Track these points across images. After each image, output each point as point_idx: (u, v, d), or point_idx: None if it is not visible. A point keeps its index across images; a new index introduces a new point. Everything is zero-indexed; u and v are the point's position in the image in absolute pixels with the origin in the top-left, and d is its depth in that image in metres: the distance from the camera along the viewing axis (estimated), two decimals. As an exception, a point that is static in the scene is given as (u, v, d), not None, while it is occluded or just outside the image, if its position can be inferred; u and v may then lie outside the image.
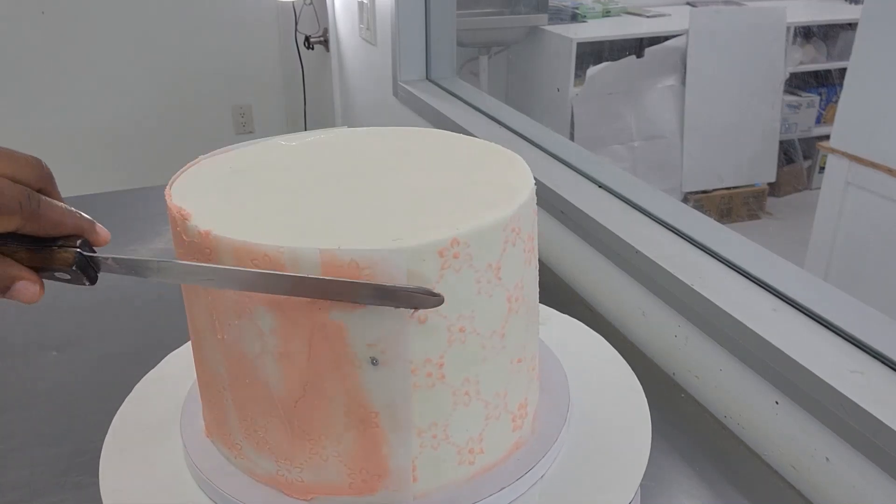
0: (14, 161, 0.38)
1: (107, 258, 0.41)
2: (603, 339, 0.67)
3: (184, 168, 0.52)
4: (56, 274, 0.40)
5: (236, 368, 0.46)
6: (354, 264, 0.39)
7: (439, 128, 1.29)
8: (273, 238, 0.41)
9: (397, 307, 0.40)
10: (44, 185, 0.39)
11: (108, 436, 0.54)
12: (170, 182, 0.49)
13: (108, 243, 0.42)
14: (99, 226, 0.41)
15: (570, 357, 0.63)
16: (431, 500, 0.47)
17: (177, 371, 0.62)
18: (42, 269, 0.40)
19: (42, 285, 0.39)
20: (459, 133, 0.60)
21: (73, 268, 0.39)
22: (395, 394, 0.44)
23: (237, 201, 0.47)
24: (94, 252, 0.41)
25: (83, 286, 0.42)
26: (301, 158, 0.55)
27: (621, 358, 0.65)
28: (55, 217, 0.38)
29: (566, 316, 0.69)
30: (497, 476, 0.49)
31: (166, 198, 0.47)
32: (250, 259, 0.41)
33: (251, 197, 0.48)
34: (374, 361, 0.42)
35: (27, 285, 0.38)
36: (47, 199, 0.38)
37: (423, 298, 0.39)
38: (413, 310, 0.40)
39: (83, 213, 0.41)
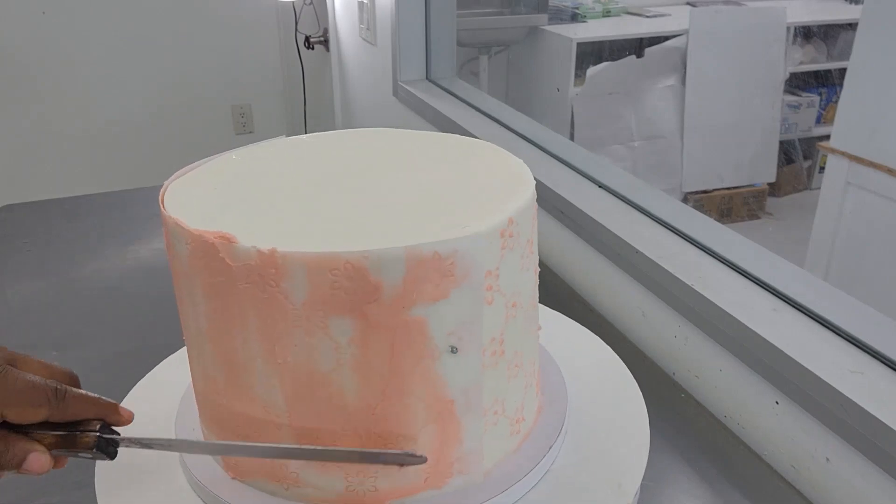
0: (48, 367, 0.43)
1: (124, 439, 0.44)
2: (596, 336, 0.67)
3: (166, 184, 0.50)
4: (79, 454, 0.43)
5: (302, 390, 0.44)
6: (438, 256, 0.41)
7: (439, 128, 1.29)
8: (343, 245, 0.40)
9: (385, 465, 0.44)
10: (73, 383, 0.44)
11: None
12: (161, 200, 0.48)
13: (131, 422, 0.45)
14: (122, 408, 0.45)
15: (564, 356, 0.63)
16: (494, 475, 0.49)
17: (167, 383, 0.61)
18: (68, 451, 0.43)
19: (51, 457, 0.42)
20: (458, 133, 0.60)
21: (93, 449, 0.43)
22: (470, 378, 0.46)
23: (255, 213, 0.46)
24: (115, 433, 0.44)
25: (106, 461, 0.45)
26: (293, 162, 0.54)
27: (616, 355, 0.65)
28: (79, 407, 0.42)
29: (558, 313, 0.69)
30: (536, 439, 0.52)
31: (176, 223, 0.44)
32: (329, 270, 0.40)
33: (266, 207, 0.47)
34: (453, 350, 0.44)
35: (38, 457, 0.41)
36: (73, 390, 0.42)
37: (407, 459, 0.43)
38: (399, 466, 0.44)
39: (107, 399, 0.44)
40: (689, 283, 0.67)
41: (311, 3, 2.24)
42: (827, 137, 1.63)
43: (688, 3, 3.05)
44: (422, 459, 0.43)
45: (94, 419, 0.43)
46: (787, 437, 0.59)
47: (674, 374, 0.72)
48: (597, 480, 0.51)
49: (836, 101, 2.35)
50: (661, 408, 0.61)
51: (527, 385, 0.51)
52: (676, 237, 0.76)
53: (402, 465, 0.44)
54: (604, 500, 0.49)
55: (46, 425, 0.42)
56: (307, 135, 0.60)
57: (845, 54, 2.25)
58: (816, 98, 2.93)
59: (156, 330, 0.75)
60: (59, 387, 0.41)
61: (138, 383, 0.63)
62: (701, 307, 0.66)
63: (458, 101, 1.30)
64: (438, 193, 0.48)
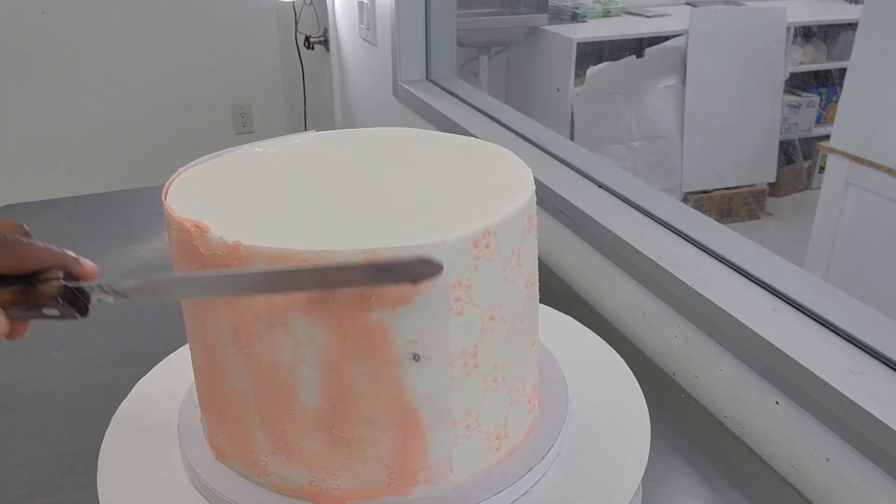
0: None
1: (95, 286, 0.40)
2: (597, 336, 0.67)
3: (172, 177, 0.50)
4: (45, 311, 0.39)
5: (266, 382, 0.44)
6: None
7: (439, 128, 1.29)
8: (307, 243, 0.40)
9: (398, 283, 0.39)
10: (23, 235, 0.41)
11: (102, 451, 0.54)
12: (164, 192, 0.48)
13: (95, 276, 0.41)
14: (84, 259, 0.41)
15: (566, 356, 0.63)
16: (467, 488, 0.48)
17: (169, 382, 0.61)
18: (30, 309, 0.39)
19: (7, 319, 0.39)
20: (458, 133, 0.60)
21: (60, 300, 0.39)
22: (435, 387, 0.45)
23: (246, 208, 0.46)
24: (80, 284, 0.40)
25: (77, 320, 0.41)
26: (293, 162, 0.55)
27: (618, 356, 0.65)
28: (29, 252, 0.38)
29: (560, 313, 0.69)
30: (521, 457, 0.51)
31: (167, 210, 0.45)
32: None
33: (258, 203, 0.47)
34: (416, 357, 0.43)
35: None
36: (21, 238, 0.39)
37: (423, 268, 0.37)
38: (412, 283, 0.39)
39: (66, 250, 0.41)
40: (689, 283, 0.67)
41: (311, 3, 2.24)
42: (827, 137, 1.63)
43: (688, 3, 3.05)
44: (438, 269, 0.38)
45: (52, 268, 0.40)
46: (787, 437, 0.59)
47: (674, 374, 0.72)
48: (597, 481, 0.51)
49: (836, 101, 2.35)
50: (661, 408, 0.61)
51: (512, 401, 0.49)
52: (676, 237, 0.76)
53: (415, 280, 0.38)
54: (621, 471, 0.50)
55: (4, 281, 0.38)
56: (320, 132, 0.60)
57: (845, 54, 2.25)
58: (816, 98, 2.93)
59: (156, 330, 0.75)
60: (6, 234, 0.38)
61: (138, 383, 0.63)
62: (701, 307, 0.66)
63: (458, 101, 1.30)
64: (427, 196, 0.48)
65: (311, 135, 0.59)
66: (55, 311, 0.39)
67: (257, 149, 0.56)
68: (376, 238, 0.41)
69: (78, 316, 0.40)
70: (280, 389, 0.44)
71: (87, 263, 0.41)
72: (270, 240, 0.41)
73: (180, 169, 0.52)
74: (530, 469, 0.49)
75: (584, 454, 0.53)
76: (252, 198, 0.48)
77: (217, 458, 0.51)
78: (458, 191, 0.48)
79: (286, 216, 0.45)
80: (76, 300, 0.40)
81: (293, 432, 0.46)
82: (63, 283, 0.39)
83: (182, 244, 0.44)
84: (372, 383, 0.43)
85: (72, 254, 0.41)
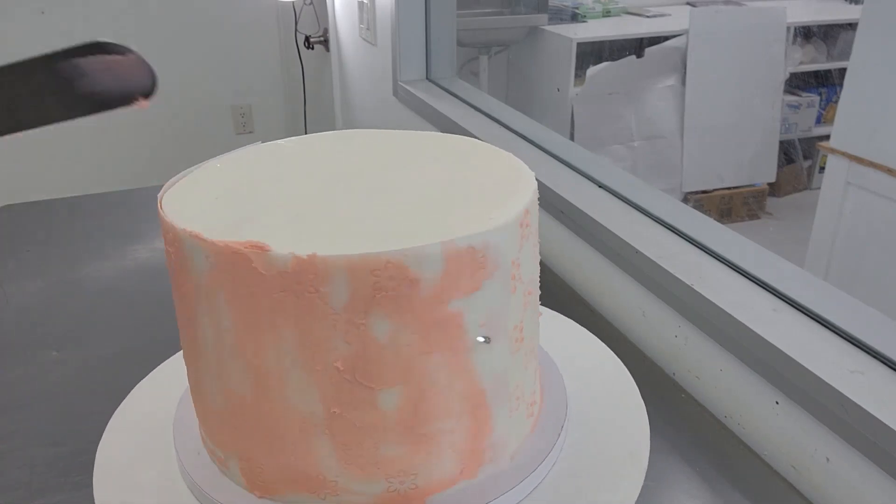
0: None
1: None
2: (593, 335, 0.67)
3: (161, 195, 0.49)
4: None
5: (343, 395, 0.43)
6: (472, 249, 0.42)
7: (439, 128, 1.29)
8: (378, 245, 0.40)
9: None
10: None
11: (97, 455, 0.54)
12: (159, 208, 0.47)
13: None
14: None
15: (562, 355, 0.64)
16: (519, 459, 0.51)
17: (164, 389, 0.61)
18: None
19: None
20: (459, 133, 0.60)
21: None
22: (499, 366, 0.47)
23: (272, 219, 0.45)
24: None
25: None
26: (294, 164, 0.54)
27: (614, 355, 0.65)
28: None
29: (556, 313, 0.69)
30: (545, 423, 0.54)
31: (197, 236, 0.42)
32: (371, 271, 0.40)
33: (271, 210, 0.46)
34: (486, 340, 0.45)
35: None
36: None
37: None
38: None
39: None
40: (689, 283, 0.67)
41: (311, 3, 2.24)
42: (827, 137, 1.63)
43: (688, 3, 3.05)
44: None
45: None
46: (787, 437, 0.59)
47: (674, 374, 0.72)
48: (599, 484, 0.51)
49: (836, 101, 2.35)
50: (661, 408, 0.61)
51: (535, 368, 0.53)
52: (676, 237, 0.76)
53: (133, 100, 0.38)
54: (621, 471, 0.51)
55: None
56: (295, 137, 0.59)
57: (845, 54, 2.25)
58: (816, 98, 2.93)
59: (156, 330, 0.75)
60: None
61: (138, 384, 0.63)
62: (701, 307, 0.66)
63: (458, 101, 1.30)
64: (447, 191, 0.49)
65: (259, 146, 0.58)
66: None
67: (218, 164, 0.55)
68: (445, 230, 0.42)
69: None
70: (360, 402, 0.44)
71: None
72: (341, 247, 0.40)
73: (162, 190, 0.49)
74: (562, 427, 0.53)
75: (582, 459, 0.53)
76: (269, 206, 0.47)
77: (262, 497, 0.48)
78: (475, 185, 0.50)
79: (325, 222, 0.45)
80: None
81: (372, 442, 0.45)
82: None
83: (227, 270, 0.41)
84: (448, 374, 0.44)
85: None
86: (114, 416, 0.59)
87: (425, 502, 0.47)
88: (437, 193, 0.48)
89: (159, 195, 0.49)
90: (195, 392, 0.51)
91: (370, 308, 0.41)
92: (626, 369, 0.64)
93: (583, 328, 0.69)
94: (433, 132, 0.59)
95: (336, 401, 0.44)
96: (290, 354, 0.43)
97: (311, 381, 0.43)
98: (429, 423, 0.45)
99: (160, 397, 0.60)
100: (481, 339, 0.45)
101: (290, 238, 0.42)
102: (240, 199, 0.49)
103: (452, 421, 0.46)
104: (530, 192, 0.47)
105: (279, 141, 0.58)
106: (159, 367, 0.65)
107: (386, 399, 0.44)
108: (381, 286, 0.41)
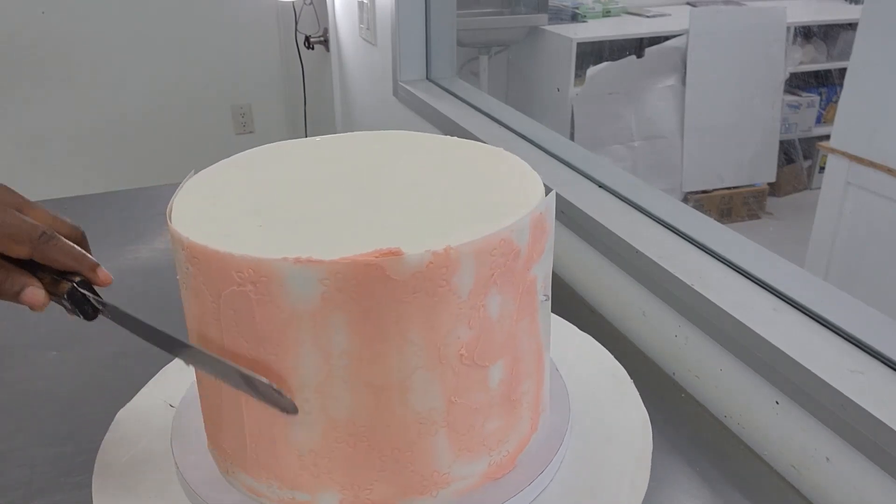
0: (53, 217, 0.48)
1: (102, 301, 0.46)
2: (592, 337, 0.67)
3: (171, 212, 0.47)
4: (63, 302, 0.46)
5: (464, 382, 0.44)
6: (541, 216, 0.45)
7: (440, 128, 1.29)
8: (490, 225, 0.42)
9: (256, 398, 0.43)
10: (77, 241, 0.48)
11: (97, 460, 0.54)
12: (172, 218, 0.46)
13: (108, 284, 0.47)
14: (101, 269, 0.47)
15: (564, 359, 0.64)
16: (554, 409, 0.56)
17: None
18: (53, 295, 0.46)
19: (47, 294, 0.45)
20: (459, 133, 0.60)
21: (66, 297, 0.46)
22: (548, 322, 0.51)
23: (285, 223, 0.45)
24: (95, 292, 0.47)
25: (83, 320, 0.47)
26: (303, 167, 0.54)
27: (613, 357, 0.65)
28: (59, 255, 0.46)
29: (554, 315, 0.69)
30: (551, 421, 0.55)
31: (311, 261, 0.39)
32: (490, 252, 0.42)
33: (290, 216, 0.46)
34: (546, 298, 0.49)
35: (35, 291, 0.45)
36: (60, 240, 0.46)
37: (278, 397, 0.43)
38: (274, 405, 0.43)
39: (90, 257, 0.47)
40: (689, 283, 0.67)
41: (311, 3, 2.24)
42: (827, 137, 1.63)
43: (688, 3, 3.05)
44: (289, 404, 0.43)
45: (73, 270, 0.46)
46: (787, 437, 0.59)
47: (674, 374, 0.72)
48: (603, 487, 0.51)
49: (836, 101, 2.35)
50: (661, 408, 0.61)
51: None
52: (676, 237, 0.76)
53: (272, 402, 0.43)
54: (627, 473, 0.52)
55: (41, 268, 0.46)
56: (302, 139, 0.59)
57: (845, 54, 2.24)
58: (816, 98, 2.93)
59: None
60: (46, 232, 0.45)
61: (140, 389, 0.63)
62: (701, 307, 0.66)
63: (459, 101, 1.30)
64: (472, 182, 0.50)
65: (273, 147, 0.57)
66: (67, 305, 0.46)
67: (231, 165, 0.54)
68: (515, 202, 0.45)
69: (82, 317, 0.46)
70: (475, 385, 0.45)
71: (103, 273, 0.47)
72: (462, 236, 0.41)
73: (169, 206, 0.48)
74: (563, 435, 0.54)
75: (585, 463, 0.53)
76: (281, 210, 0.46)
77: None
78: (501, 178, 0.51)
79: (387, 220, 0.45)
80: (83, 303, 0.46)
81: (481, 422, 0.46)
82: (73, 284, 0.46)
83: (350, 288, 0.40)
84: (528, 337, 0.48)
85: (92, 260, 0.47)
86: (114, 420, 0.59)
87: (515, 463, 0.50)
88: (464, 186, 0.50)
89: (170, 220, 0.46)
90: (254, 443, 0.46)
91: (488, 288, 0.43)
92: (626, 372, 0.64)
93: (582, 331, 0.69)
94: (436, 135, 0.59)
95: (455, 390, 0.44)
96: (415, 356, 0.42)
97: (434, 377, 0.43)
98: (518, 388, 0.48)
99: (163, 398, 0.60)
100: (544, 298, 0.49)
101: (363, 241, 0.41)
102: (275, 210, 0.47)
103: (530, 381, 0.49)
104: (539, 180, 0.51)
105: (277, 144, 0.58)
106: (163, 369, 0.65)
107: (493, 375, 0.46)
108: (496, 264, 0.42)
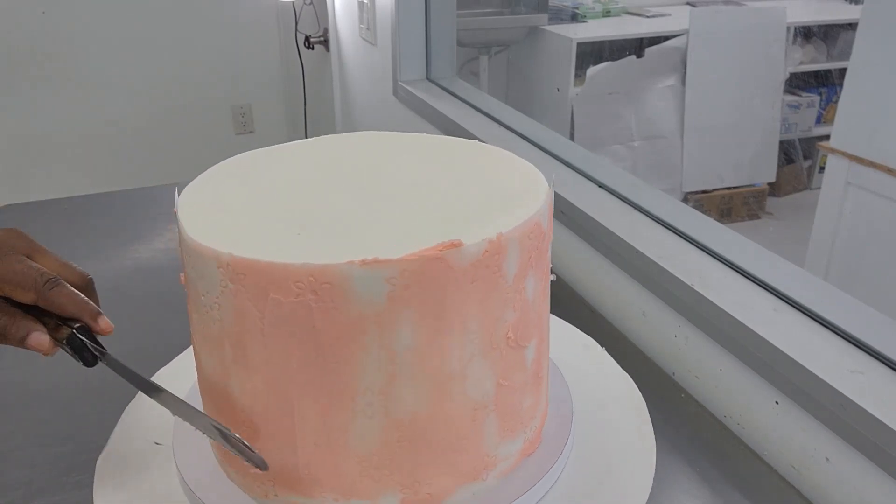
0: (63, 265, 0.49)
1: (102, 350, 0.47)
2: (594, 339, 0.67)
3: (182, 218, 0.46)
4: (63, 346, 0.47)
5: (510, 364, 0.46)
6: (551, 199, 0.47)
7: (440, 128, 1.29)
8: (522, 212, 0.44)
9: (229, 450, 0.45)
10: (83, 288, 0.49)
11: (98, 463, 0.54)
12: (195, 234, 0.44)
13: (109, 333, 0.48)
14: (102, 318, 0.48)
15: (562, 359, 0.64)
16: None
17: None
18: (57, 341, 0.47)
19: (52, 341, 0.46)
20: (459, 133, 0.60)
21: (65, 342, 0.46)
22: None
23: (295, 224, 0.44)
24: (95, 340, 0.47)
25: (82, 366, 0.48)
26: (300, 170, 0.53)
27: (615, 362, 0.65)
28: (63, 301, 0.46)
29: (554, 316, 0.69)
30: (555, 420, 0.57)
31: (378, 261, 0.39)
32: (528, 236, 0.44)
33: (303, 217, 0.45)
34: (555, 277, 0.53)
35: (40, 336, 0.46)
36: (64, 287, 0.46)
37: (249, 453, 0.45)
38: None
39: (92, 305, 0.48)
40: (689, 283, 0.67)
41: (311, 3, 2.24)
42: (827, 137, 1.63)
43: (688, 3, 3.05)
44: (259, 460, 0.45)
45: (74, 317, 0.47)
46: (787, 437, 0.59)
47: (674, 374, 0.72)
48: (608, 491, 0.51)
49: (836, 101, 2.35)
50: (661, 408, 0.61)
51: None
52: (676, 237, 0.76)
53: (244, 457, 0.45)
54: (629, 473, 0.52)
55: (46, 313, 0.46)
56: (297, 141, 0.58)
57: (845, 54, 2.24)
58: (816, 98, 2.93)
59: (156, 331, 0.75)
60: (52, 279, 0.46)
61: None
62: (701, 307, 0.66)
63: (459, 101, 1.30)
64: (482, 177, 0.51)
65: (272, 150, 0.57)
66: (69, 350, 0.47)
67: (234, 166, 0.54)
68: (533, 191, 0.47)
69: (82, 363, 0.47)
70: (516, 365, 0.47)
71: (104, 322, 0.48)
72: (507, 222, 0.43)
73: (180, 209, 0.48)
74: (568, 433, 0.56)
75: (588, 467, 0.53)
76: (309, 215, 0.46)
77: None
78: (504, 177, 0.51)
79: (374, 221, 0.45)
80: (82, 350, 0.47)
81: (519, 400, 0.48)
82: (73, 330, 0.46)
83: (415, 283, 0.40)
84: (546, 314, 0.51)
85: (95, 308, 0.48)
86: (120, 421, 0.59)
87: (541, 436, 0.52)
88: (477, 178, 0.51)
89: (185, 228, 0.45)
90: (307, 458, 0.45)
91: (526, 271, 0.45)
92: (627, 374, 0.64)
93: (586, 335, 0.69)
94: (441, 135, 0.59)
95: (503, 373, 0.46)
96: (471, 344, 0.43)
97: (487, 362, 0.45)
98: (544, 364, 0.51)
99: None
100: (553, 278, 0.52)
101: (405, 238, 0.41)
102: (303, 215, 0.46)
103: (546, 357, 0.52)
104: (538, 172, 0.52)
105: (276, 147, 0.57)
106: (165, 366, 0.65)
107: (528, 354, 0.48)
108: (532, 248, 0.45)
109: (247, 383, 0.44)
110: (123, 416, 0.60)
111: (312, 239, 0.42)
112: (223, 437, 0.45)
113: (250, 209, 0.47)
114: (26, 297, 0.46)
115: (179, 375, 0.63)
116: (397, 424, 0.44)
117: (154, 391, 0.48)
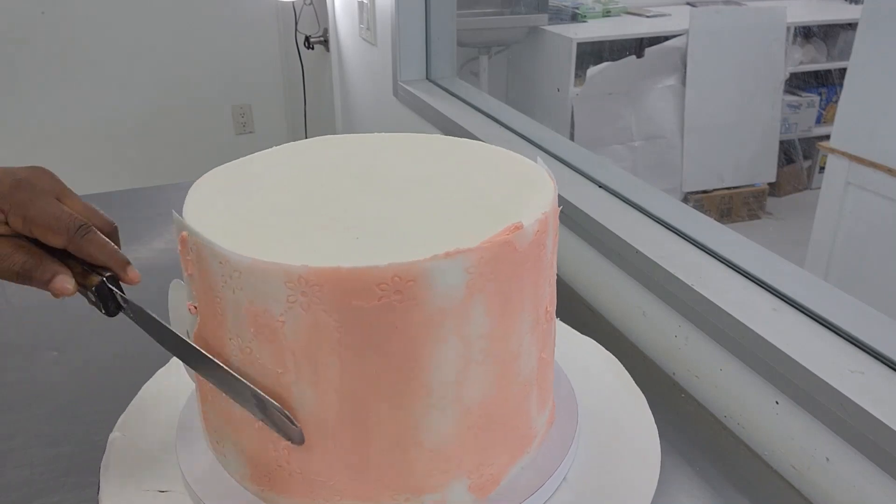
0: (90, 209, 0.48)
1: (127, 300, 0.46)
2: (595, 342, 0.67)
3: (191, 223, 0.44)
4: (88, 294, 0.46)
5: (545, 336, 0.49)
6: (557, 208, 0.49)
7: (440, 128, 1.29)
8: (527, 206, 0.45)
9: (264, 421, 0.44)
10: (109, 235, 0.48)
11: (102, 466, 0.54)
12: (188, 232, 0.43)
13: (137, 283, 0.48)
14: (131, 267, 0.47)
15: (571, 366, 0.64)
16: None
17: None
18: (81, 286, 0.46)
19: (76, 285, 0.46)
20: (459, 133, 0.60)
21: (94, 290, 0.46)
22: None
23: (315, 223, 0.43)
24: (121, 290, 0.47)
25: (105, 315, 0.47)
26: (309, 169, 0.53)
27: (619, 362, 0.65)
28: (93, 249, 0.46)
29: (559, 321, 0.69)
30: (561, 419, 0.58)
31: (458, 251, 0.39)
32: (557, 214, 0.48)
33: (319, 219, 0.44)
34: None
35: (65, 279, 0.45)
36: (96, 235, 0.46)
37: (288, 425, 0.43)
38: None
39: (122, 255, 0.47)
40: (689, 283, 0.67)
41: (311, 3, 2.24)
42: (827, 137, 1.63)
43: (688, 3, 3.05)
44: (296, 434, 0.43)
45: (104, 265, 0.46)
46: (787, 437, 0.59)
47: (674, 374, 0.72)
48: (613, 492, 0.51)
49: (836, 101, 2.35)
50: (661, 408, 0.61)
51: None
52: (676, 237, 0.76)
53: (281, 429, 0.43)
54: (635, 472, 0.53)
55: (72, 258, 0.46)
56: (302, 141, 0.58)
57: (845, 54, 2.25)
58: (816, 98, 2.93)
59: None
60: (84, 225, 0.45)
61: (144, 386, 0.63)
62: (701, 307, 0.66)
63: (459, 101, 1.30)
64: (491, 173, 0.52)
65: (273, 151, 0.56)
66: (93, 297, 0.46)
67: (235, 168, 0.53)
68: (543, 185, 0.49)
69: (104, 312, 0.47)
70: (548, 337, 0.50)
71: (132, 272, 0.47)
72: (539, 204, 0.46)
73: (190, 218, 0.46)
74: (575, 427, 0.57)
75: (592, 467, 0.53)
76: (331, 217, 0.44)
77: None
78: (515, 179, 0.52)
79: (389, 220, 0.44)
80: (108, 299, 0.46)
81: (549, 372, 0.51)
82: (103, 279, 0.46)
83: (487, 270, 0.40)
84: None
85: (124, 258, 0.47)
86: (119, 419, 0.59)
87: (555, 407, 0.54)
88: (486, 175, 0.52)
89: (196, 233, 0.43)
90: (378, 459, 0.43)
91: (555, 247, 0.49)
92: (628, 374, 0.64)
93: (573, 330, 0.69)
94: (444, 135, 0.59)
95: (543, 346, 0.48)
96: (525, 322, 0.45)
97: (534, 338, 0.47)
98: (555, 336, 0.53)
99: (168, 398, 0.60)
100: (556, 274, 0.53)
101: (440, 233, 0.42)
102: (339, 216, 0.45)
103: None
104: (538, 166, 0.54)
105: (277, 148, 0.57)
106: (167, 364, 0.65)
107: (553, 327, 0.51)
108: (557, 227, 0.49)
109: (313, 401, 0.41)
110: (124, 416, 0.60)
111: (373, 241, 0.41)
112: (259, 405, 0.42)
113: (282, 218, 0.44)
114: (57, 241, 0.45)
115: (180, 375, 0.63)
116: (468, 411, 0.44)
117: (182, 348, 0.46)
